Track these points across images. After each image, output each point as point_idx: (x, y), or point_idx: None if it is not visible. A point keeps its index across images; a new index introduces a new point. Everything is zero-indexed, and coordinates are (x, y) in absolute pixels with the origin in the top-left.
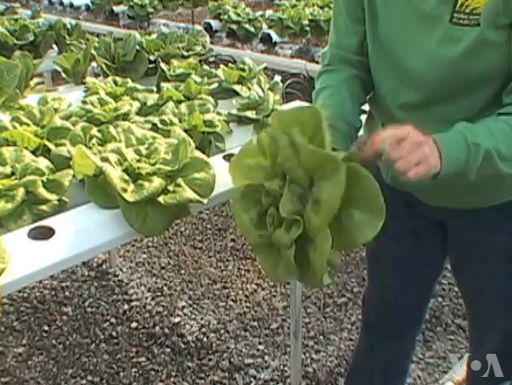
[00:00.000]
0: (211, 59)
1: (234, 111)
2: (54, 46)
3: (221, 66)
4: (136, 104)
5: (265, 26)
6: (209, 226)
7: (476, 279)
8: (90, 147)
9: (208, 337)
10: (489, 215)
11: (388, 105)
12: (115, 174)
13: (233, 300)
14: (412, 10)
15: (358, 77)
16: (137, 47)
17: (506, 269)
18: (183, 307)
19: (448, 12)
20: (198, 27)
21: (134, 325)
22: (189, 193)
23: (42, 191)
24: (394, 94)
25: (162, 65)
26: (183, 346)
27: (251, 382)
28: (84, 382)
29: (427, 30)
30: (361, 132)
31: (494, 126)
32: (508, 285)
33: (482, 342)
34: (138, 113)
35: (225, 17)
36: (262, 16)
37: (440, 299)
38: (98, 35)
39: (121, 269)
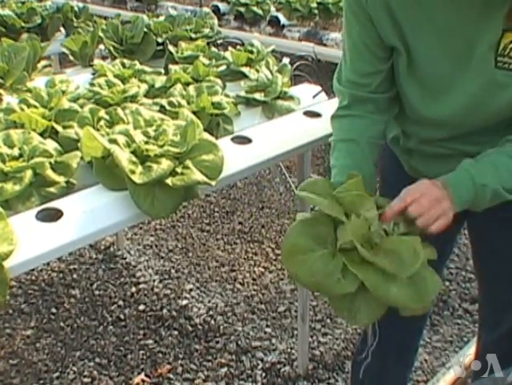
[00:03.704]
0: (219, 42)
1: (242, 93)
2: (62, 29)
3: (230, 48)
4: (144, 86)
5: (273, 8)
6: (216, 209)
7: (495, 252)
8: (98, 130)
9: (215, 320)
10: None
11: (413, 120)
12: (123, 156)
13: (240, 283)
14: (455, 54)
15: (378, 121)
16: (145, 30)
17: None
18: (190, 290)
19: (492, 57)
20: (206, 9)
21: (141, 307)
22: (197, 175)
23: (50, 173)
24: (422, 109)
25: (170, 47)
26: (190, 328)
27: (258, 364)
28: (92, 364)
29: (470, 76)
30: None
31: (499, 161)
32: None
33: (497, 323)
34: (146, 95)
35: None
36: None
37: (447, 283)
38: (105, 18)
39: (129, 252)
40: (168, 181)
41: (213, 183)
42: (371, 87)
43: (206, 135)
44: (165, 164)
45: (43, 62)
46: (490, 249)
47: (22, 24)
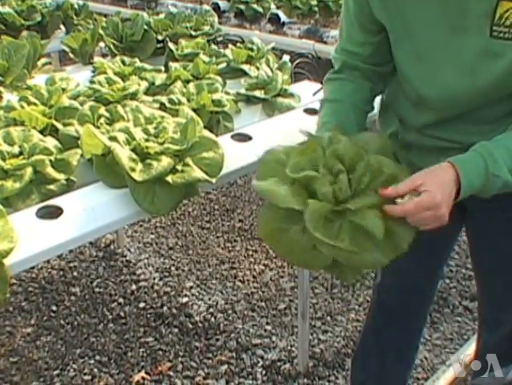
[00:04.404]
0: (219, 39)
1: (243, 91)
2: (62, 26)
3: (230, 45)
4: (144, 84)
5: (273, 6)
6: (216, 207)
7: (493, 250)
8: (98, 127)
9: (215, 317)
10: (507, 193)
11: (412, 101)
12: (123, 153)
13: (240, 280)
14: (450, 23)
15: (366, 88)
16: (145, 27)
17: None
18: (191, 287)
19: (487, 26)
20: (206, 7)
21: (142, 305)
22: (198, 173)
23: (50, 170)
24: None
25: (170, 45)
26: (190, 326)
27: (258, 362)
28: (92, 361)
29: (465, 45)
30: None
31: None
32: None
33: (498, 323)
34: (146, 93)
35: None
36: None
37: (447, 281)
38: (105, 16)
39: (129, 250)
40: (169, 179)
41: (214, 180)
42: (363, 57)
43: (206, 133)
44: (165, 161)
45: (43, 60)
46: (489, 247)
47: (22, 22)
